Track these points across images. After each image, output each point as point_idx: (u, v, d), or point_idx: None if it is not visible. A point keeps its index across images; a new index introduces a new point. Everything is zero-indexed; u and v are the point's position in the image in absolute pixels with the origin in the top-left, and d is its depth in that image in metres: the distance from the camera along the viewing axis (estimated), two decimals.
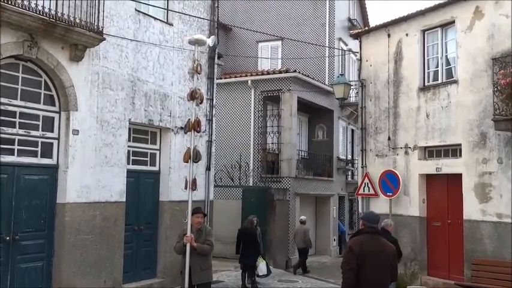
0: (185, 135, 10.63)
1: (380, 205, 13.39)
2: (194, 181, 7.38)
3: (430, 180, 12.78)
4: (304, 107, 19.84)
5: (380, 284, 5.56)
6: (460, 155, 11.87)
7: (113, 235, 9.50)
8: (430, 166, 12.54)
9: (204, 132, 11.94)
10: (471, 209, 11.37)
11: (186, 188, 7.38)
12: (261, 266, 12.77)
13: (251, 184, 18.19)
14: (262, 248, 13.54)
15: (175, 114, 11.18)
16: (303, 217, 17.11)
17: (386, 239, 10.04)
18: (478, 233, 11.18)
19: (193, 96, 7.50)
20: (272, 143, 18.50)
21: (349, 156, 23.88)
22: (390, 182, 13.04)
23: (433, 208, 12.63)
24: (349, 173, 23.82)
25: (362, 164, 14.33)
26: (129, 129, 10.11)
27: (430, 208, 12.72)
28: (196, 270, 7.41)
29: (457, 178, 11.84)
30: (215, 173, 15.34)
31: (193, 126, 7.49)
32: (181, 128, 10.96)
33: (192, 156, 7.43)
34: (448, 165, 12.12)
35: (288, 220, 17.66)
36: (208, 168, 12.14)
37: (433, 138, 12.46)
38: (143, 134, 10.78)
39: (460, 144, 11.85)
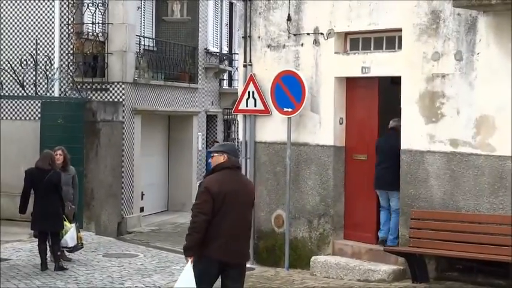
0: None
1: (272, 128, 13.61)
2: None
3: (352, 86, 13.13)
4: None
5: (245, 230, 7.53)
6: (400, 47, 12.22)
7: None
8: (354, 64, 12.81)
9: None
10: (413, 133, 11.86)
11: None
12: (68, 235, 12.67)
13: (56, 94, 18.01)
14: (76, 203, 13.67)
15: None
16: None
17: (395, 141, 11.94)
18: (422, 170, 11.74)
19: None
20: (93, 24, 18.28)
21: (225, 49, 23.94)
22: (289, 91, 13.18)
23: (356, 132, 13.06)
24: (225, 76, 23.99)
25: (245, 61, 14.35)
26: None
27: (352, 132, 13.14)
28: None
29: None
30: None
31: None
32: None
33: None
34: (380, 63, 12.43)
35: (122, 155, 17.79)
36: None
37: (359, 19, 12.60)
38: None
39: (399, 30, 12.15)
